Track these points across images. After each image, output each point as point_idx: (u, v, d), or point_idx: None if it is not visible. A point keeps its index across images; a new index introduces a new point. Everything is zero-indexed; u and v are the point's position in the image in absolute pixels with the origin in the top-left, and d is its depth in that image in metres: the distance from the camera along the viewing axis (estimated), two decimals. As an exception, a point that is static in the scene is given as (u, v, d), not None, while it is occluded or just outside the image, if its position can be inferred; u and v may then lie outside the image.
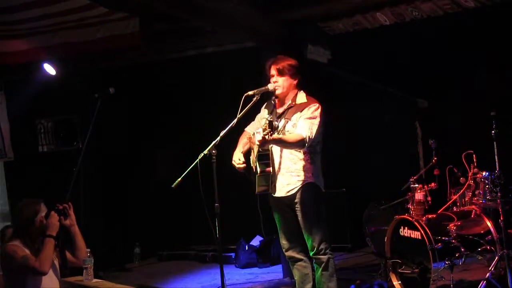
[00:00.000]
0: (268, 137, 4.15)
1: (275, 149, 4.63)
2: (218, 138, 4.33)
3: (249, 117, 4.82)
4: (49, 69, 7.37)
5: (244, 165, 4.63)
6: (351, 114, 7.74)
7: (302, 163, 4.60)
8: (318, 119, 4.54)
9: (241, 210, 6.22)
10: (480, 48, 6.71)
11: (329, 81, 7.33)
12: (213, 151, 4.28)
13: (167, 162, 8.43)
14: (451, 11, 5.90)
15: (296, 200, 4.61)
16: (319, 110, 4.57)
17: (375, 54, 7.03)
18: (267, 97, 4.83)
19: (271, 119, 4.27)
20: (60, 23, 6.36)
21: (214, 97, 7.84)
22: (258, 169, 4.56)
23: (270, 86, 4.62)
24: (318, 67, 6.79)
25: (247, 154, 4.74)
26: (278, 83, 4.62)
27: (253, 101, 4.50)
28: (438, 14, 5.97)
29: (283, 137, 4.49)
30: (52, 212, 4.24)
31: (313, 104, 4.59)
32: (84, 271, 4.55)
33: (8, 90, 7.88)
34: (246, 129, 4.91)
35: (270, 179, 4.57)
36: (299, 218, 4.62)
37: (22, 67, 7.41)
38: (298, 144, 4.47)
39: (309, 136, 4.45)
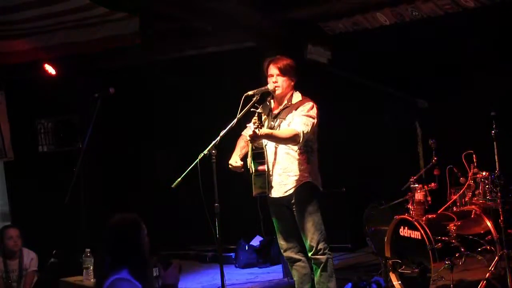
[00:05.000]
0: (258, 130, 4.09)
1: (270, 148, 4.62)
2: (218, 138, 4.34)
3: (249, 117, 4.81)
4: (49, 69, 7.37)
5: (242, 163, 4.61)
6: (351, 114, 7.73)
7: (299, 162, 4.58)
8: (313, 117, 4.51)
9: (241, 210, 6.22)
10: (480, 48, 6.70)
11: (329, 81, 7.33)
12: (213, 151, 4.28)
13: (167, 162, 8.42)
14: (451, 11, 5.89)
15: (293, 201, 4.59)
16: (314, 109, 4.55)
17: (375, 54, 7.01)
18: (267, 97, 4.83)
19: (260, 111, 4.29)
20: (60, 23, 6.34)
21: (214, 97, 7.83)
22: (253, 168, 4.56)
23: (270, 86, 4.61)
24: (318, 67, 6.78)
25: (245, 158, 4.72)
26: (278, 83, 4.60)
27: (253, 101, 4.50)
28: (438, 14, 5.96)
29: (275, 132, 4.42)
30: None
31: (308, 103, 4.57)
32: (84, 271, 4.57)
33: (8, 90, 7.87)
34: (243, 132, 4.88)
35: (266, 179, 4.56)
36: (297, 218, 4.60)
37: (22, 67, 7.40)
38: (292, 139, 4.38)
39: (303, 131, 4.38)
